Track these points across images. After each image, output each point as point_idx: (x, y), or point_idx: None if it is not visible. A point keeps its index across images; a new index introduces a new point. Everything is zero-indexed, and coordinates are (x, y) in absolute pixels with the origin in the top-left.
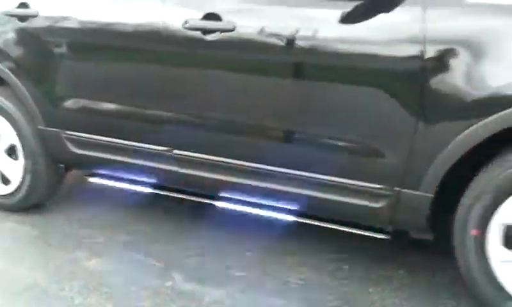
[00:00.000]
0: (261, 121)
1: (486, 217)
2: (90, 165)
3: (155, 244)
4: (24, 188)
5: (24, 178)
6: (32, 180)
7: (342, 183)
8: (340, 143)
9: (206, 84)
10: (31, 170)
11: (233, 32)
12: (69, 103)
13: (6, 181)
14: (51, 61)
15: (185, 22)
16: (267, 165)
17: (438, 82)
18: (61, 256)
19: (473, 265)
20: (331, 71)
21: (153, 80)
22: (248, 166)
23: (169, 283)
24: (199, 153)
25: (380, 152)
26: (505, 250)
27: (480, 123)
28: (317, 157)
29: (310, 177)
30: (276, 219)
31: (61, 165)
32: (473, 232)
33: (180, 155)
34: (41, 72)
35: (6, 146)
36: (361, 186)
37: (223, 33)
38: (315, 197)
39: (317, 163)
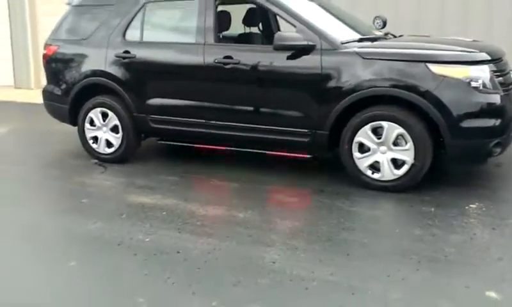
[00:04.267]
0: (254, 104)
1: (351, 139)
2: (161, 134)
3: (190, 171)
4: (121, 149)
5: (121, 143)
6: (126, 144)
7: (292, 130)
8: (289, 113)
9: (225, 88)
10: (125, 138)
11: (238, 64)
12: (151, 101)
13: (109, 145)
14: (141, 79)
15: (215, 60)
16: (257, 124)
17: (326, 84)
18: (145, 183)
19: (347, 161)
20: (283, 81)
21: (197, 87)
22: (245, 126)
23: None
24: (221, 121)
25: (307, 114)
26: (359, 154)
27: (343, 101)
28: (279, 119)
29: (275, 128)
30: (259, 153)
31: (142, 135)
32: (346, 146)
33: (213, 123)
34: (136, 85)
35: (112, 125)
36: (299, 131)
37: (233, 64)
38: (279, 139)
39: (279, 122)
